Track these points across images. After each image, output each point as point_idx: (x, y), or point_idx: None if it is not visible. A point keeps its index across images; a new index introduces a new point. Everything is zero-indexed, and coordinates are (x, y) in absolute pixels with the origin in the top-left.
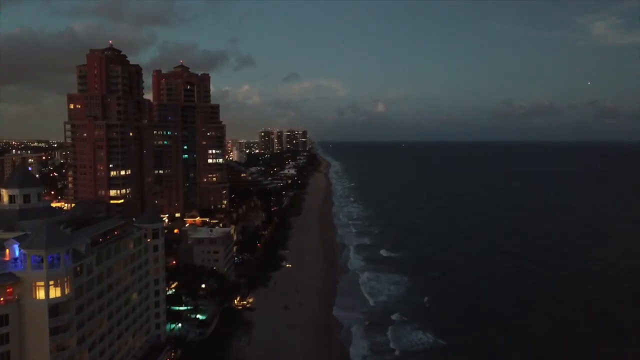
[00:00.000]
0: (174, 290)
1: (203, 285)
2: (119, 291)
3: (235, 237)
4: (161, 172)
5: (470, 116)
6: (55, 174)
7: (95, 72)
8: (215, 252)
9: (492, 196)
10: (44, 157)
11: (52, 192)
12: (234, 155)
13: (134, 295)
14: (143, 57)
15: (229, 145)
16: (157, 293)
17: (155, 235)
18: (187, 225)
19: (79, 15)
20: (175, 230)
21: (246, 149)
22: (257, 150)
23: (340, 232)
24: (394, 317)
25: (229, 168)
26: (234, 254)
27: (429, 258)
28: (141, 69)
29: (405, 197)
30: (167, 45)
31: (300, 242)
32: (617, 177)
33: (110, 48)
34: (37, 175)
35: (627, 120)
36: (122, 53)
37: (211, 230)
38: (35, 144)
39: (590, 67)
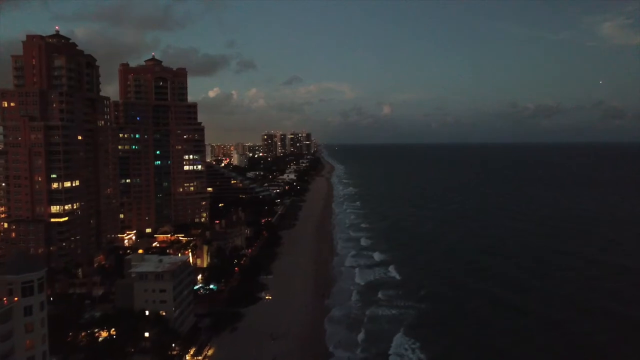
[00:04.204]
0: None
1: (147, 334)
2: None
3: (208, 261)
4: (128, 181)
5: (477, 118)
6: None
7: (34, 62)
8: (162, 291)
9: (503, 203)
10: None
11: None
12: (235, 160)
13: None
14: None
15: (231, 148)
16: None
17: (27, 292)
18: (155, 244)
19: (79, 20)
20: (140, 251)
21: (250, 152)
22: (261, 154)
23: (338, 247)
24: None
25: (218, 174)
26: (200, 284)
27: (440, 284)
28: (95, 60)
29: (411, 203)
30: (168, 49)
31: (288, 263)
32: (618, 177)
33: (56, 35)
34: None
35: (635, 121)
36: (71, 41)
37: (161, 260)
38: None
39: (598, 67)
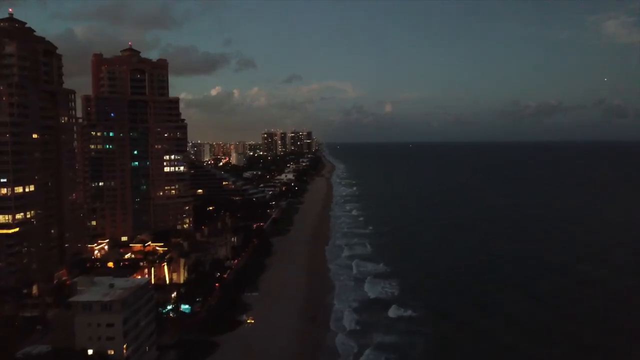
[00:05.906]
0: None
1: None
2: None
3: (185, 275)
4: (101, 184)
5: (479, 117)
6: None
7: None
8: (110, 326)
9: (503, 204)
10: None
11: None
12: (233, 159)
13: None
14: None
15: (231, 147)
16: None
17: None
18: (128, 255)
19: (78, 19)
20: (110, 264)
21: (251, 151)
22: (261, 153)
23: (335, 257)
24: None
25: (209, 175)
26: (172, 304)
27: (443, 302)
28: (56, 48)
29: (411, 205)
30: (167, 48)
31: (277, 277)
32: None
33: (8, 18)
34: None
35: (637, 120)
36: (27, 25)
37: (112, 285)
38: None
39: (600, 66)
